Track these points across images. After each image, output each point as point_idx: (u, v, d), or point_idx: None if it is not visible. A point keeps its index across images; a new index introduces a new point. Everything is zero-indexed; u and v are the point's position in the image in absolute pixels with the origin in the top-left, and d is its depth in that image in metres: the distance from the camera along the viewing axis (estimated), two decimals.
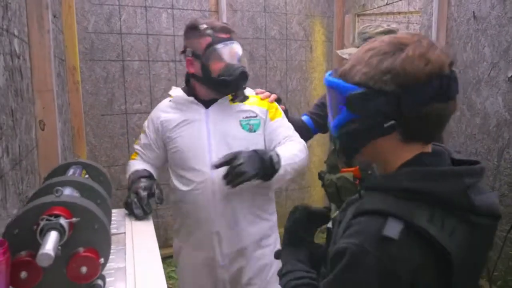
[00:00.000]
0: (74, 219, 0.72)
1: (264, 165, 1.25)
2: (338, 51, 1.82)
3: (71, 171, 1.05)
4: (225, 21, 3.14)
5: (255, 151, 1.29)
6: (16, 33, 1.33)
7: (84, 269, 0.72)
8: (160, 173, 1.56)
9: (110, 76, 2.91)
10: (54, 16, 2.27)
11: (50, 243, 0.63)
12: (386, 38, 0.74)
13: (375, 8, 3.33)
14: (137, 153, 1.52)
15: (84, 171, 1.10)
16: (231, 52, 1.36)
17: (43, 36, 1.59)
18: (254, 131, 1.42)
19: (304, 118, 1.81)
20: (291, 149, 1.40)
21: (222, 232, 1.40)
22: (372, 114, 0.71)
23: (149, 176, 1.39)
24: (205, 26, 1.37)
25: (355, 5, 3.47)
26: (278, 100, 1.58)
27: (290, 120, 1.57)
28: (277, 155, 1.30)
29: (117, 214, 1.28)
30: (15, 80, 1.27)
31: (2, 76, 1.13)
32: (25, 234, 0.70)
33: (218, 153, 1.33)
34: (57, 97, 2.18)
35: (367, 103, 0.71)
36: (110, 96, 2.92)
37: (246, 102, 1.45)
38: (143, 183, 1.32)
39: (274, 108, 1.49)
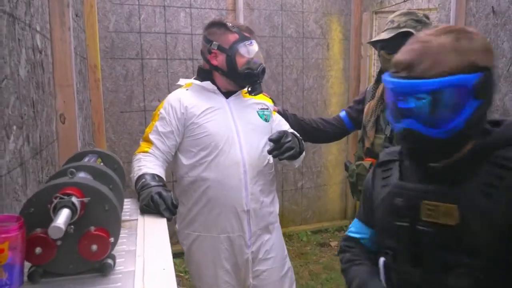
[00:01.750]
0: (85, 199, 0.76)
1: (299, 146, 1.48)
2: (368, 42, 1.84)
3: (86, 159, 1.09)
4: (242, 19, 3.18)
5: (293, 133, 1.52)
6: (38, 28, 1.40)
7: (94, 247, 0.76)
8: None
9: (130, 74, 2.99)
10: (76, 15, 2.35)
11: (62, 218, 0.67)
12: (438, 28, 0.81)
13: (393, 5, 3.29)
14: (151, 143, 1.44)
15: (99, 159, 1.14)
16: (254, 50, 1.51)
17: (64, 32, 1.65)
18: (268, 121, 1.60)
19: (342, 114, 1.85)
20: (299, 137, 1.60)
21: (251, 210, 1.49)
22: (491, 92, 0.80)
23: (164, 185, 1.33)
24: (231, 24, 1.53)
25: (373, 3, 3.44)
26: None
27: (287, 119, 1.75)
28: (301, 140, 1.54)
29: (130, 202, 1.32)
30: (36, 73, 1.34)
31: (24, 68, 1.19)
32: (40, 213, 0.74)
33: (245, 137, 1.49)
34: (79, 93, 2.26)
35: (487, 84, 0.78)
36: (129, 93, 3.00)
37: (255, 96, 1.58)
38: (161, 185, 1.29)
39: (273, 106, 1.71)
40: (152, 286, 0.76)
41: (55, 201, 0.72)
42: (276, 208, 1.62)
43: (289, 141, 1.42)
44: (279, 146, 1.41)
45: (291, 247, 3.35)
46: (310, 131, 1.79)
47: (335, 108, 3.68)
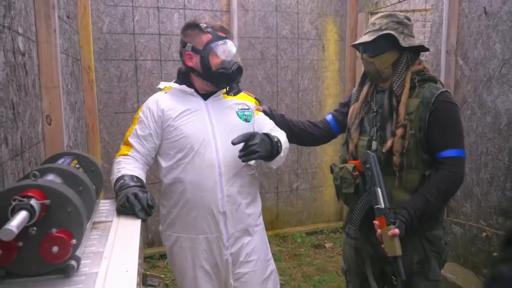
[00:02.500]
0: (46, 201, 0.77)
1: (272, 148, 1.44)
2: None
3: (61, 160, 1.10)
4: (236, 20, 3.19)
5: (266, 134, 1.46)
6: (20, 31, 1.41)
7: (55, 249, 0.76)
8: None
9: (124, 75, 3.01)
10: (68, 17, 2.37)
11: (16, 220, 0.68)
12: None
13: (388, 6, 3.28)
14: (131, 146, 1.46)
15: (75, 161, 1.15)
16: (228, 49, 1.49)
17: (50, 34, 1.67)
18: (249, 121, 1.58)
19: (328, 117, 1.82)
20: (282, 136, 1.57)
21: (228, 212, 1.49)
22: None
23: (142, 186, 1.34)
24: (205, 24, 1.51)
25: (368, 3, 3.44)
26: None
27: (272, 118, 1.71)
28: (279, 140, 1.50)
29: (109, 204, 1.32)
30: (17, 76, 1.35)
31: (3, 71, 1.20)
32: (2, 215, 0.75)
33: (222, 139, 1.48)
34: (70, 94, 2.28)
35: None
36: (123, 94, 3.02)
37: (237, 97, 1.56)
38: (138, 186, 1.30)
39: (257, 106, 1.68)
40: (112, 287, 0.77)
41: (14, 203, 0.72)
42: (257, 209, 1.61)
43: (254, 144, 1.38)
44: (244, 148, 1.39)
45: (285, 248, 3.35)
46: (298, 133, 1.78)
47: (331, 109, 3.65)
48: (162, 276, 1.31)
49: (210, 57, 1.46)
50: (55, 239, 0.77)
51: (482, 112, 2.33)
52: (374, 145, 1.51)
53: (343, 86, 3.69)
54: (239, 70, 1.49)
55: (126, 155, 1.46)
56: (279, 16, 3.40)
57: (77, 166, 1.15)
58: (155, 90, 3.09)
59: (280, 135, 1.58)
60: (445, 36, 2.51)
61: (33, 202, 0.74)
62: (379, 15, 1.53)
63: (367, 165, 1.45)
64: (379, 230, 1.37)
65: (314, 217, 3.78)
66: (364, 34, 1.52)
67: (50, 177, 0.92)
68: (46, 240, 0.77)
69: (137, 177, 1.36)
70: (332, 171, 1.65)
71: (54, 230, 0.78)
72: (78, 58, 2.65)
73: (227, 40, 1.50)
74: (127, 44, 2.98)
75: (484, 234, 2.26)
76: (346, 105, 1.74)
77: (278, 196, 3.61)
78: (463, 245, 2.48)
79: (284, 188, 3.63)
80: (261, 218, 1.65)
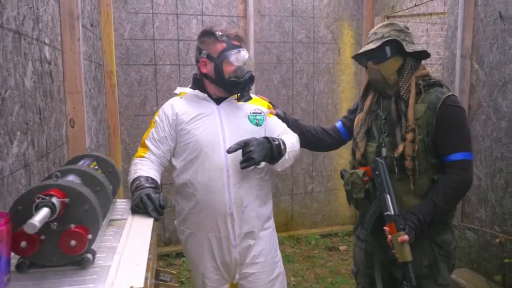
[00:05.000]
0: (66, 199, 0.85)
1: (272, 151, 1.47)
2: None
3: (81, 162, 1.20)
4: (252, 26, 3.26)
5: (266, 138, 1.50)
6: (47, 41, 1.53)
7: (73, 243, 0.85)
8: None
9: (144, 80, 3.13)
10: (92, 25, 2.50)
11: (39, 216, 0.76)
12: None
13: (405, 9, 3.28)
14: (147, 149, 1.54)
15: (94, 163, 1.24)
16: (242, 58, 1.55)
17: (74, 43, 1.78)
18: (260, 125, 1.62)
19: (338, 124, 1.86)
20: (290, 139, 1.61)
21: (235, 213, 1.54)
22: None
23: (156, 187, 1.42)
24: (220, 33, 1.56)
25: (385, 7, 3.44)
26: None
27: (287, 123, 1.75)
28: (284, 143, 1.52)
29: (126, 203, 1.41)
30: (44, 83, 1.46)
31: (31, 79, 1.31)
32: (26, 210, 0.84)
33: (232, 143, 1.50)
34: (92, 98, 2.41)
35: None
36: (143, 98, 3.14)
37: (250, 101, 1.61)
38: (152, 187, 1.39)
39: (269, 110, 1.72)
40: (123, 279, 0.84)
41: (37, 200, 0.81)
42: (266, 211, 1.63)
43: (249, 151, 1.42)
44: (243, 156, 1.43)
45: (299, 250, 3.39)
46: (309, 139, 1.82)
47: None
48: (174, 272, 1.39)
49: (224, 65, 1.53)
50: (73, 234, 0.86)
51: (497, 117, 2.32)
52: (383, 151, 1.54)
53: (359, 90, 3.70)
54: (251, 79, 1.55)
55: (143, 157, 1.54)
56: (295, 21, 3.45)
57: (96, 167, 1.24)
58: (173, 94, 3.19)
59: (290, 137, 1.61)
60: (460, 40, 2.50)
61: (54, 200, 0.82)
62: (379, 25, 1.57)
63: (376, 172, 1.48)
64: (389, 236, 1.40)
65: (328, 220, 3.80)
66: (366, 44, 1.56)
67: (71, 177, 1.01)
68: (65, 234, 0.85)
69: (152, 178, 1.44)
70: (342, 176, 1.68)
71: (72, 226, 0.87)
72: (101, 63, 2.79)
73: (240, 49, 1.55)
74: (147, 50, 3.10)
75: (497, 240, 2.24)
76: (354, 111, 1.77)
77: (293, 198, 3.66)
78: (477, 251, 2.46)
79: (299, 190, 3.67)
80: (270, 221, 1.68)
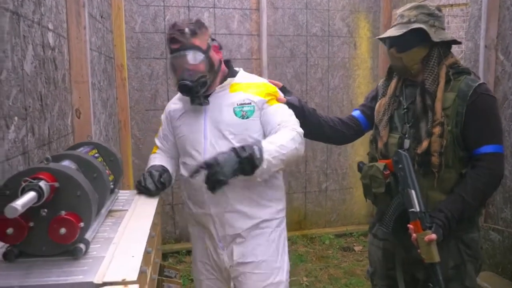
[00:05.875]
0: (55, 183, 0.79)
1: (242, 165, 1.25)
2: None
3: (80, 149, 1.14)
4: (265, 18, 3.18)
5: (234, 149, 1.27)
6: (51, 27, 1.48)
7: (63, 230, 0.79)
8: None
9: (155, 73, 3.08)
10: (102, 17, 2.46)
11: (22, 199, 0.70)
12: None
13: (423, 1, 3.15)
14: (157, 147, 1.61)
15: (94, 150, 1.19)
16: (177, 63, 1.41)
17: (80, 31, 1.74)
18: (247, 118, 1.43)
19: (355, 113, 1.69)
20: (280, 138, 1.35)
21: (215, 215, 1.45)
22: None
23: (163, 170, 1.48)
24: (167, 36, 1.44)
25: None
26: (284, 90, 1.59)
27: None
28: (260, 150, 1.27)
29: (129, 194, 1.36)
30: (46, 69, 1.41)
31: (31, 64, 1.26)
32: (14, 195, 0.78)
33: (212, 139, 1.43)
34: (102, 91, 2.37)
35: None
36: (154, 92, 3.10)
37: (244, 90, 1.46)
38: (156, 169, 1.45)
39: (272, 97, 1.48)
40: (114, 271, 0.77)
41: (24, 184, 0.75)
42: (261, 214, 1.47)
43: (214, 173, 1.21)
44: (206, 181, 1.24)
45: (312, 249, 3.30)
46: (327, 131, 1.67)
47: None
48: (179, 268, 1.32)
49: (170, 73, 1.52)
50: (63, 221, 0.79)
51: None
52: (406, 143, 1.42)
53: (375, 85, 3.56)
54: (181, 88, 1.38)
55: (155, 153, 1.61)
56: (309, 13, 3.35)
57: (96, 155, 1.18)
58: None
59: (283, 135, 1.36)
60: (484, 30, 2.37)
61: (42, 183, 0.76)
62: (407, 6, 1.42)
63: (399, 165, 1.36)
64: (414, 235, 1.28)
65: (343, 219, 3.69)
66: (392, 27, 1.45)
67: (66, 163, 0.95)
68: (54, 221, 0.79)
69: (160, 165, 1.47)
70: (360, 169, 1.57)
71: (63, 213, 0.80)
72: (111, 56, 2.75)
73: (175, 54, 1.39)
74: (158, 43, 3.05)
75: None
76: (374, 98, 1.64)
77: (306, 196, 3.56)
78: (502, 253, 2.32)
79: (312, 188, 3.57)
80: (271, 222, 1.50)
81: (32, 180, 0.76)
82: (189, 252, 3.15)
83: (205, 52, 1.40)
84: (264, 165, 1.27)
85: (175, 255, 3.18)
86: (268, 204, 1.49)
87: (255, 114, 1.44)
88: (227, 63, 1.54)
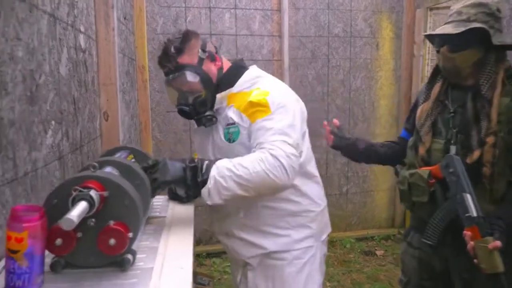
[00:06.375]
0: (105, 193, 0.76)
1: (185, 174, 1.12)
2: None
3: (118, 154, 1.11)
4: (286, 19, 3.13)
5: (183, 158, 1.16)
6: (82, 29, 1.46)
7: (112, 241, 0.75)
8: None
9: None
10: (125, 18, 2.45)
11: (76, 210, 0.67)
12: None
13: (449, 0, 3.07)
14: None
15: (131, 155, 1.16)
16: (168, 88, 1.37)
17: (108, 33, 1.72)
18: (233, 141, 1.25)
19: (403, 134, 1.62)
20: (243, 159, 1.15)
21: (221, 238, 1.41)
22: None
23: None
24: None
25: None
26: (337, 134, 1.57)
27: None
28: (208, 166, 1.13)
29: (163, 199, 1.33)
30: (78, 72, 1.39)
31: (65, 67, 1.24)
32: (62, 205, 0.75)
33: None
34: (125, 93, 2.35)
35: None
36: None
37: (236, 103, 1.28)
38: None
39: (254, 108, 1.22)
40: (168, 285, 0.74)
41: (74, 193, 0.72)
42: (262, 244, 1.29)
43: (155, 171, 1.10)
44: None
45: (333, 253, 3.24)
46: (379, 149, 1.61)
47: (384, 111, 3.51)
48: (213, 276, 1.29)
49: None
50: (112, 232, 0.76)
51: None
52: (452, 149, 1.33)
53: (398, 87, 3.51)
54: (180, 113, 1.32)
55: None
56: (331, 14, 3.30)
57: (133, 160, 1.16)
58: None
59: (244, 157, 1.15)
60: None
61: (92, 193, 0.73)
62: (466, 2, 1.31)
63: (450, 170, 1.27)
64: (471, 242, 1.18)
65: (364, 222, 3.62)
66: (445, 24, 1.33)
67: (108, 169, 0.92)
68: (103, 232, 0.76)
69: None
70: (397, 173, 1.50)
71: (111, 223, 0.77)
72: (133, 58, 2.74)
73: (165, 79, 1.33)
74: None
75: None
76: (415, 107, 1.56)
77: (327, 199, 3.49)
78: None
79: (333, 191, 3.51)
80: (277, 255, 1.29)
81: (82, 189, 0.73)
82: (209, 255, 3.12)
83: (197, 67, 1.27)
84: (210, 183, 1.10)
85: (196, 258, 3.16)
86: (278, 232, 1.29)
87: (242, 136, 1.24)
88: (235, 64, 1.37)
